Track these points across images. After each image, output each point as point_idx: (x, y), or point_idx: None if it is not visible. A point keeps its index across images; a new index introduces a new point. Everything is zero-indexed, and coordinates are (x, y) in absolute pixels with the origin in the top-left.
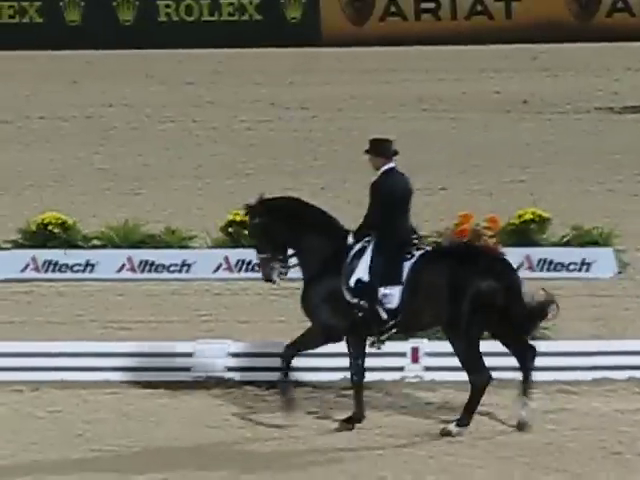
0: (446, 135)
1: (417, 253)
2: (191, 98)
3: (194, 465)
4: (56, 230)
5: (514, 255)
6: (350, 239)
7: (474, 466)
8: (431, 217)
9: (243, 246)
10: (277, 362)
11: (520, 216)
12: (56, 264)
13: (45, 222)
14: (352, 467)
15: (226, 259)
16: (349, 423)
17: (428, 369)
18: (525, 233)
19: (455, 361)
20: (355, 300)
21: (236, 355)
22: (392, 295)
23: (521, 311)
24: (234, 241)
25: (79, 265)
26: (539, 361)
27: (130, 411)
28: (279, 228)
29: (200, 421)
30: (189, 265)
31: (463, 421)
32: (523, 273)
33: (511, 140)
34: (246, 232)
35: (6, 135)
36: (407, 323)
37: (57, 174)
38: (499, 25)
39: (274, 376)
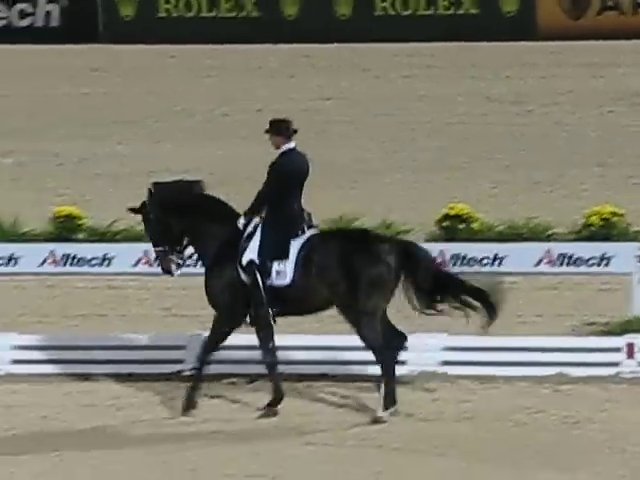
0: None
1: (308, 232)
2: (406, 92)
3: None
4: None
5: None
6: (241, 221)
7: None
8: None
9: (458, 240)
10: (488, 356)
11: None
12: None
13: None
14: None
15: (441, 253)
16: (272, 407)
17: None
18: None
19: None
20: (248, 278)
21: (452, 349)
22: (284, 272)
23: (417, 287)
24: (449, 235)
25: None
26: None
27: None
28: (174, 223)
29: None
30: None
31: (388, 404)
32: None
33: None
34: (460, 227)
35: (225, 128)
36: (300, 302)
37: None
38: None
39: (485, 370)
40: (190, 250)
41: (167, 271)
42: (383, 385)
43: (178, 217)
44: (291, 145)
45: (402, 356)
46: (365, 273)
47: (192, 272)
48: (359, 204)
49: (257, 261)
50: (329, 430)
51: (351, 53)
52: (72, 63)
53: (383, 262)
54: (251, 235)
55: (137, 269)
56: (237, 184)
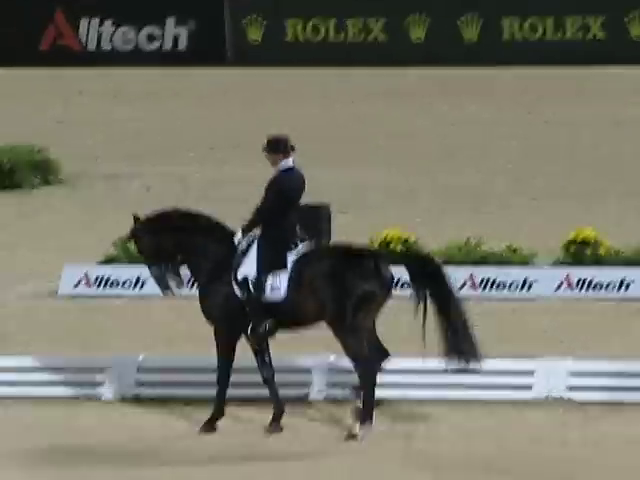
0: None
1: (301, 248)
2: (532, 116)
3: None
4: (398, 247)
5: None
6: (238, 236)
7: None
8: None
9: (585, 264)
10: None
11: None
12: (398, 281)
13: (387, 239)
14: None
15: (567, 277)
16: (276, 422)
17: None
18: None
19: None
20: (243, 293)
21: (578, 374)
22: (278, 287)
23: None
24: (576, 259)
25: None
26: None
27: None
28: (166, 241)
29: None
30: (530, 283)
31: (365, 420)
32: None
33: None
34: (587, 252)
35: (352, 152)
36: (294, 316)
37: (400, 191)
38: None
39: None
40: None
41: (166, 291)
42: (361, 400)
43: (171, 238)
44: (289, 163)
45: (528, 381)
46: (354, 288)
47: None
48: (484, 228)
49: (252, 276)
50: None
51: (477, 77)
52: (199, 86)
53: (374, 277)
54: (245, 251)
55: None
56: (364, 208)
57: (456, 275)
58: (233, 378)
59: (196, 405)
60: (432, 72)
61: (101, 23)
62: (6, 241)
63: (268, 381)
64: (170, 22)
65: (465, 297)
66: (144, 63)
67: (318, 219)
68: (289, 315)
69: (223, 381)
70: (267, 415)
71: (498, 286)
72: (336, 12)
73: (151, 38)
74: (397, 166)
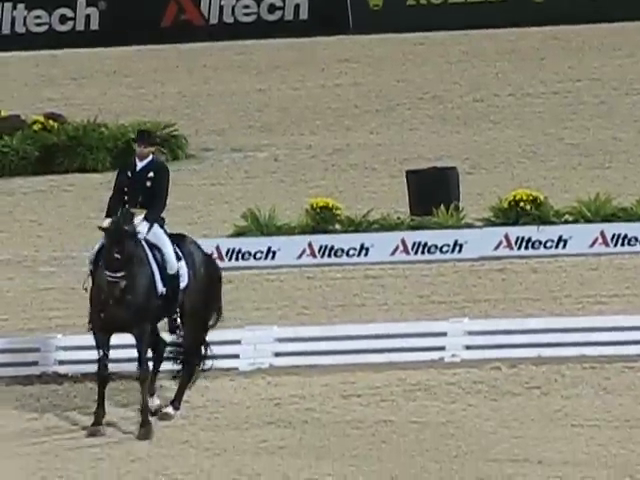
0: None
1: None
2: None
3: None
4: (527, 207)
5: None
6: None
7: None
8: None
9: None
10: None
11: None
12: (529, 240)
13: (517, 199)
14: None
15: None
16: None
17: None
18: None
19: None
20: (161, 285)
21: None
22: (184, 275)
23: None
24: None
25: (551, 241)
26: None
27: (608, 385)
28: None
29: None
30: None
31: (176, 404)
32: None
33: None
34: None
35: (477, 113)
36: (188, 305)
37: (527, 151)
38: None
39: None
40: None
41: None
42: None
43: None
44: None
45: None
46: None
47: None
48: (612, 184)
49: (167, 264)
50: None
51: (601, 33)
52: (322, 55)
53: None
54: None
55: (394, 258)
56: (491, 169)
57: (590, 233)
58: None
59: (333, 373)
60: (554, 30)
61: None
62: None
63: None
64: None
65: (597, 254)
66: (266, 34)
67: (447, 182)
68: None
69: None
70: None
71: (630, 241)
72: None
73: (273, 8)
74: (521, 125)
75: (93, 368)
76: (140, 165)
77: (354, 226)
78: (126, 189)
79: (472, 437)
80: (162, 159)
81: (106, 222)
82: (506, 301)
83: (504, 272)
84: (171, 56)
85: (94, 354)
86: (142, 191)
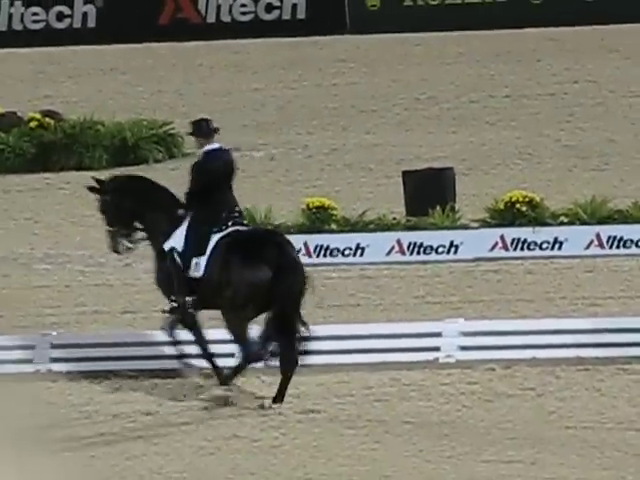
0: None
1: (230, 229)
2: None
3: None
4: (523, 208)
5: None
6: (180, 211)
7: None
8: None
9: None
10: None
11: None
12: (525, 242)
13: (513, 200)
14: None
15: None
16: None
17: None
18: None
19: None
20: (167, 264)
21: None
22: (200, 264)
23: None
24: None
25: (547, 242)
26: None
27: (602, 387)
28: (125, 205)
29: None
30: None
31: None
32: None
33: None
34: None
35: (473, 114)
36: (211, 295)
37: (523, 152)
38: None
39: None
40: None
41: (115, 251)
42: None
43: (130, 203)
44: (214, 144)
45: None
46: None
47: (443, 259)
48: (608, 186)
49: (179, 250)
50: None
51: (598, 35)
52: (319, 55)
53: (259, 265)
54: (179, 225)
55: (389, 258)
56: (487, 170)
57: (585, 235)
58: None
59: (327, 372)
60: (550, 31)
61: None
62: None
63: (204, 356)
64: None
65: (593, 255)
66: (263, 34)
67: (443, 182)
68: (208, 294)
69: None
70: None
71: (625, 244)
72: None
73: (270, 8)
74: (517, 127)
75: (87, 366)
76: None
77: (350, 226)
78: None
79: (466, 438)
80: (203, 150)
81: None
82: (501, 302)
83: (499, 273)
84: (168, 54)
85: (89, 352)
86: None
